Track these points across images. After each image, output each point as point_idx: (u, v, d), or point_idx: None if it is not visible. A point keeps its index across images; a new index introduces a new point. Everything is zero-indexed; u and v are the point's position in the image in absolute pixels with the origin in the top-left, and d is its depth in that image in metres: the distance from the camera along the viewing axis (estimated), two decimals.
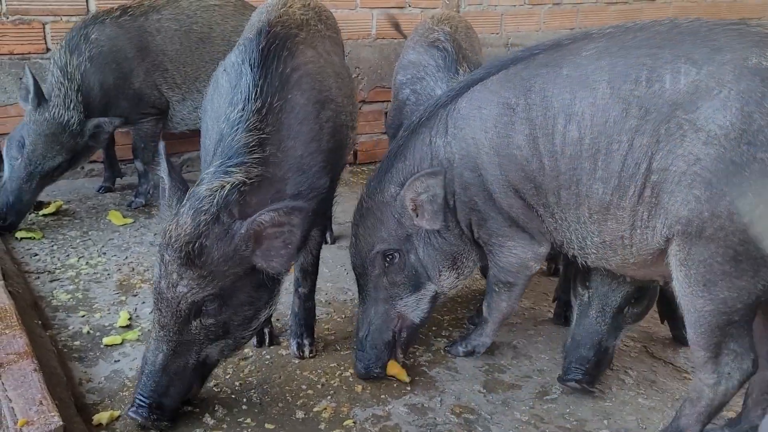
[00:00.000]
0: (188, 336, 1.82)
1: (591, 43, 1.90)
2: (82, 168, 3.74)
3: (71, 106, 3.09)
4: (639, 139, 1.76)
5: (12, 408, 1.64)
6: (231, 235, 1.75)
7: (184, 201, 1.79)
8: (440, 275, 2.19)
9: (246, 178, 1.82)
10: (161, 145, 1.96)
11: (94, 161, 3.82)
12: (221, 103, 2.01)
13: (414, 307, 2.20)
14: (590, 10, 5.68)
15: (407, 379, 2.22)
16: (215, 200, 1.75)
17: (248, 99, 1.94)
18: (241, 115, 1.92)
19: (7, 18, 3.50)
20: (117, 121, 3.22)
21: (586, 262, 2.06)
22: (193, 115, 3.57)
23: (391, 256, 2.15)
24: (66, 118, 3.08)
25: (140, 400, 1.83)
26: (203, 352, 1.88)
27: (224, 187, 1.77)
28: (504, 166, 2.00)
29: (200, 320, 1.81)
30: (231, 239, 1.75)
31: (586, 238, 1.97)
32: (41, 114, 3.08)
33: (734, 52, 1.68)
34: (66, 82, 3.12)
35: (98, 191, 3.70)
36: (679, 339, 2.56)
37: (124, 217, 3.43)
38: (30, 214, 3.29)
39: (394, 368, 2.23)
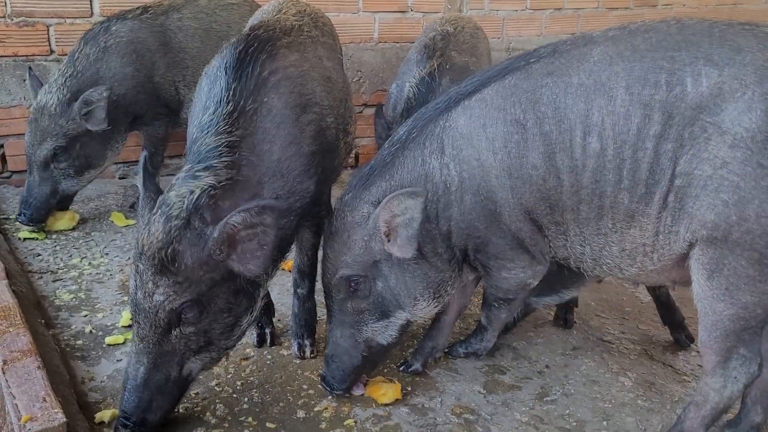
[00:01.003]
0: (169, 346, 1.78)
1: (596, 48, 1.83)
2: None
3: (53, 90, 3.04)
4: (664, 145, 1.72)
5: (16, 404, 1.65)
6: (204, 239, 1.72)
7: (155, 209, 1.76)
8: (416, 304, 2.05)
9: (216, 181, 1.78)
10: (142, 155, 1.95)
11: None
12: (197, 108, 2.00)
13: (381, 333, 2.07)
14: (591, 15, 5.70)
15: (398, 396, 2.15)
16: (185, 205, 1.72)
17: (220, 102, 1.91)
18: (212, 119, 1.89)
19: (12, 20, 3.52)
20: (103, 90, 3.02)
21: (593, 272, 2.02)
22: None
23: (355, 282, 2.00)
24: (45, 101, 3.02)
25: (124, 418, 1.79)
26: (185, 363, 1.83)
27: (193, 192, 1.74)
28: (517, 188, 1.89)
29: (180, 329, 1.77)
30: (204, 244, 1.72)
31: (603, 249, 1.91)
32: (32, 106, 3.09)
33: (754, 52, 1.66)
34: (63, 68, 3.11)
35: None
36: (678, 342, 2.57)
37: (127, 218, 3.44)
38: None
39: (377, 390, 2.15)
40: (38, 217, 3.15)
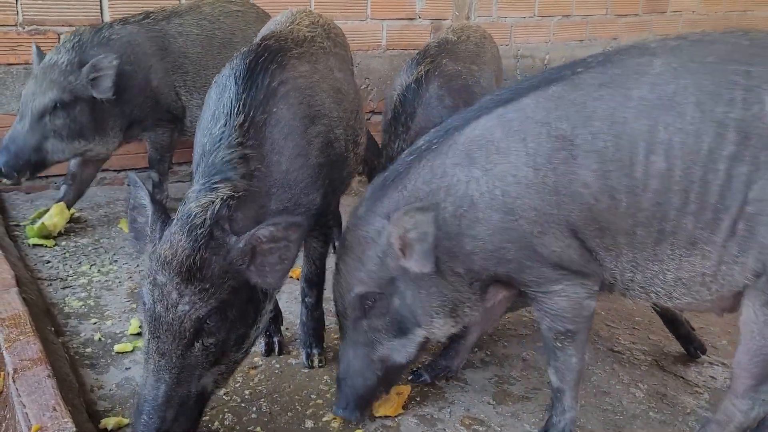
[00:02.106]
0: (191, 360, 1.74)
1: (656, 59, 1.71)
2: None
3: (63, 51, 3.06)
4: (737, 168, 1.60)
5: (26, 413, 1.66)
6: (226, 249, 1.72)
7: (173, 222, 1.75)
8: (431, 321, 1.93)
9: (233, 192, 1.79)
10: (131, 175, 1.91)
11: (106, 169, 3.85)
12: (206, 117, 1.99)
13: (399, 350, 1.97)
14: (600, 22, 5.70)
15: (398, 412, 2.13)
16: (208, 215, 1.72)
17: (230, 113, 1.91)
18: (223, 131, 1.89)
19: (23, 28, 3.55)
20: (113, 58, 3.03)
21: (638, 299, 1.90)
22: None
23: (372, 300, 1.90)
24: (56, 59, 3.04)
25: None
26: (202, 380, 1.79)
27: (214, 202, 1.74)
28: (564, 205, 1.73)
29: (202, 340, 1.74)
30: (227, 253, 1.72)
31: (656, 277, 1.78)
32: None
33: None
34: (71, 36, 3.14)
35: None
36: (690, 353, 2.55)
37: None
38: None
39: (386, 409, 2.12)
40: (13, 165, 3.00)
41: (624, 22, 5.84)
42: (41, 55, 3.13)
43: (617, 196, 1.70)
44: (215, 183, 1.80)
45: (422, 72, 3.10)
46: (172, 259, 1.69)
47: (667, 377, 2.44)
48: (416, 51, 3.29)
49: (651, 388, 2.35)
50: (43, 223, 3.19)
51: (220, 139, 1.88)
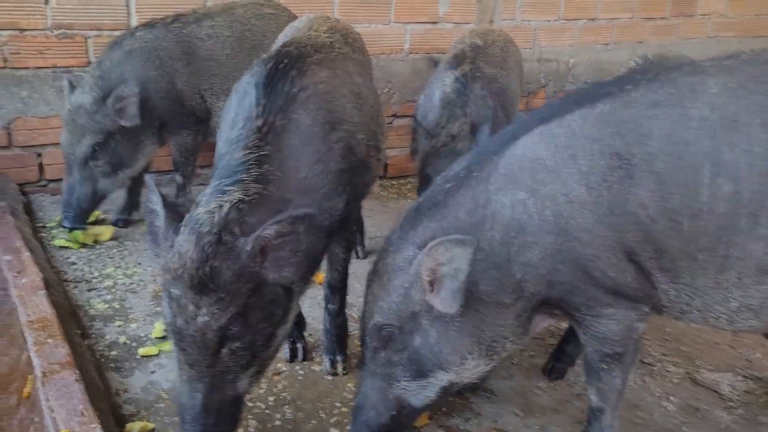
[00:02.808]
0: (221, 366, 1.74)
1: (710, 78, 1.66)
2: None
3: (86, 90, 3.13)
4: None
5: (54, 418, 1.66)
6: (236, 253, 1.68)
7: (182, 230, 1.70)
8: (463, 363, 1.77)
9: (244, 195, 1.75)
10: (148, 178, 1.85)
11: None
12: (226, 123, 1.98)
13: (415, 393, 1.83)
14: (626, 26, 5.62)
15: (424, 422, 2.09)
16: (215, 220, 1.68)
17: (249, 118, 1.89)
18: (240, 134, 1.87)
19: (52, 32, 3.58)
20: (133, 85, 3.08)
21: (694, 323, 1.81)
22: None
23: (388, 332, 1.77)
24: (80, 100, 3.11)
25: None
26: (237, 382, 1.79)
27: (222, 207, 1.70)
28: (619, 226, 1.65)
29: (228, 346, 1.73)
30: (237, 257, 1.68)
31: (719, 304, 1.71)
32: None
33: None
34: (92, 71, 3.20)
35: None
36: None
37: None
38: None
39: None
40: (82, 218, 3.22)
41: (651, 26, 5.75)
42: (73, 89, 3.16)
43: (678, 219, 1.62)
44: (226, 186, 1.77)
45: (465, 70, 3.13)
46: (182, 272, 1.65)
47: (699, 391, 2.38)
48: (439, 55, 3.29)
49: (683, 401, 2.30)
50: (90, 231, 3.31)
51: (237, 142, 1.86)
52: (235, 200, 1.73)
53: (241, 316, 1.72)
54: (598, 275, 1.70)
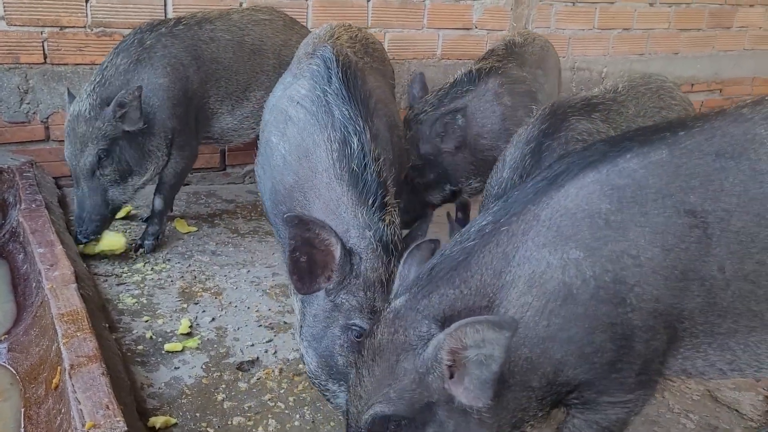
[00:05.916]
0: None
1: (759, 128, 1.53)
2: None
3: (83, 98, 3.02)
4: None
5: (80, 410, 1.71)
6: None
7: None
8: None
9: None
10: (300, 213, 1.78)
11: None
12: (302, 137, 1.98)
13: None
14: (661, 36, 5.55)
15: None
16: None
17: (354, 131, 1.90)
18: (362, 146, 1.87)
19: (92, 30, 3.68)
20: (134, 89, 2.95)
21: (707, 377, 1.67)
22: (244, 125, 3.55)
23: (396, 426, 1.45)
24: (78, 109, 3.00)
25: None
26: None
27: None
28: (687, 291, 1.46)
29: None
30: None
31: (755, 358, 1.59)
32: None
33: None
34: (92, 78, 3.10)
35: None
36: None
37: (189, 225, 3.54)
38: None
39: None
40: (94, 229, 3.06)
41: (686, 37, 5.67)
42: (72, 98, 3.09)
43: (758, 280, 1.48)
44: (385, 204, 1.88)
45: (483, 67, 3.14)
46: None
47: (719, 408, 2.35)
48: (472, 61, 3.30)
49: (702, 419, 2.27)
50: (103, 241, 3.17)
51: (364, 155, 1.91)
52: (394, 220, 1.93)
53: None
54: (641, 349, 1.48)
